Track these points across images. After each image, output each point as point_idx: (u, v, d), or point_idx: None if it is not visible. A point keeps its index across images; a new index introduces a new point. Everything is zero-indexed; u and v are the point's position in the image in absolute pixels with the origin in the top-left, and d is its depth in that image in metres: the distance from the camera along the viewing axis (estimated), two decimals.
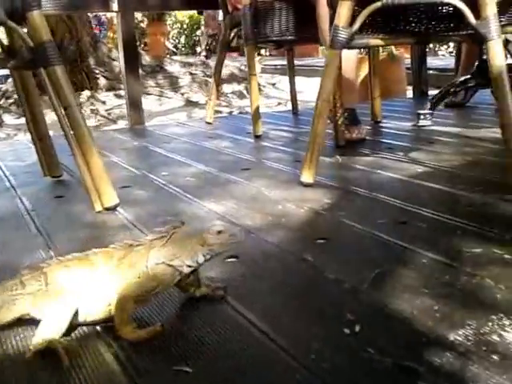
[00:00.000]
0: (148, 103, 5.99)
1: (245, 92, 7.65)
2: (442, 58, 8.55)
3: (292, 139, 2.54)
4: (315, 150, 1.69)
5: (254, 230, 1.34)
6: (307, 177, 1.71)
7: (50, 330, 0.84)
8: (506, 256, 1.12)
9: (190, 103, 6.08)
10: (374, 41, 1.76)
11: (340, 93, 2.25)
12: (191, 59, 8.13)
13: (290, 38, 2.73)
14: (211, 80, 3.18)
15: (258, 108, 2.64)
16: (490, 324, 0.86)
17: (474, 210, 1.43)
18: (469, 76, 2.88)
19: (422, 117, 2.64)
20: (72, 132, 1.52)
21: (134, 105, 3.16)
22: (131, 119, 3.16)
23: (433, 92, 3.75)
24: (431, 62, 5.86)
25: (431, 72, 5.63)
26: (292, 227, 1.36)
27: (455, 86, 2.92)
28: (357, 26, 1.64)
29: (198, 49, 14.76)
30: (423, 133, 2.53)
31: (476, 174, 1.77)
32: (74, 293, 0.88)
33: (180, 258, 0.89)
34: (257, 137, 2.62)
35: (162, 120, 5.04)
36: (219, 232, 0.90)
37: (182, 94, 6.88)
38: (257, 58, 7.41)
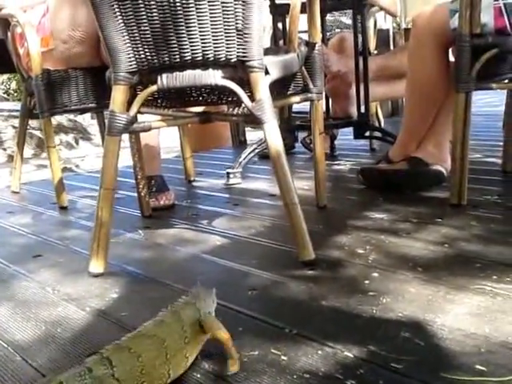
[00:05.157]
0: None
1: (73, 142, 7.38)
2: None
3: None
4: (102, 240, 1.58)
5: (20, 350, 1.20)
6: (96, 266, 1.59)
7: None
8: (283, 358, 1.07)
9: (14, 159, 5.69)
10: (157, 123, 1.71)
11: (141, 164, 2.17)
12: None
13: (91, 105, 2.62)
14: (15, 148, 2.97)
15: (60, 180, 2.50)
16: None
17: (260, 295, 1.39)
18: None
19: (231, 175, 2.64)
20: None
21: None
22: None
23: (253, 137, 3.84)
24: None
25: None
26: (65, 342, 1.22)
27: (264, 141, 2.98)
28: (134, 110, 1.57)
29: None
30: (232, 192, 2.52)
31: (270, 244, 1.76)
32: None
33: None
34: (62, 208, 2.47)
35: None
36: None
37: (5, 150, 6.47)
38: None
